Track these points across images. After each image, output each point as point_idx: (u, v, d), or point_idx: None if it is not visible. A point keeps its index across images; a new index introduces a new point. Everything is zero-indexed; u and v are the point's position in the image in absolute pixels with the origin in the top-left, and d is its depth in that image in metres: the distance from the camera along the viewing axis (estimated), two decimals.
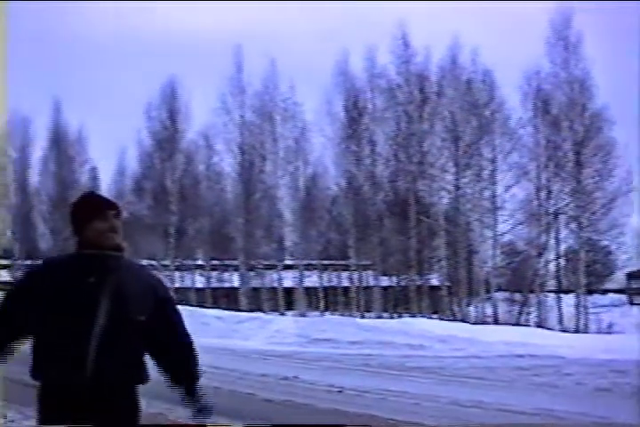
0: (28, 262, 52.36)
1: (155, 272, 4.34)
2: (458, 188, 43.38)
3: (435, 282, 45.36)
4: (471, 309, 43.79)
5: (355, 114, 45.11)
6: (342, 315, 39.37)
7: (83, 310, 3.69)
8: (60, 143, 53.75)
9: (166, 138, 48.46)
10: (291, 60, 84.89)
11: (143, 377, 3.87)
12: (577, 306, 40.65)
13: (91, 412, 3.65)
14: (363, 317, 39.48)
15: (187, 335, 4.17)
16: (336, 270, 50.03)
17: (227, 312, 21.65)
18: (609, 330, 36.62)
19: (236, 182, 47.23)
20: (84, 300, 3.70)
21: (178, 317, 4.12)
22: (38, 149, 54.76)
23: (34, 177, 55.17)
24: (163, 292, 4.11)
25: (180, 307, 4.14)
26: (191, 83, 49.51)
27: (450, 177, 43.94)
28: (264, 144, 46.66)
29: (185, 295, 47.54)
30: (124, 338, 3.75)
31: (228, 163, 47.81)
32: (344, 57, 46.08)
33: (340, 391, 11.11)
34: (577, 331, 37.17)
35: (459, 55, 43.79)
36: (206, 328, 18.50)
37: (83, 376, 3.65)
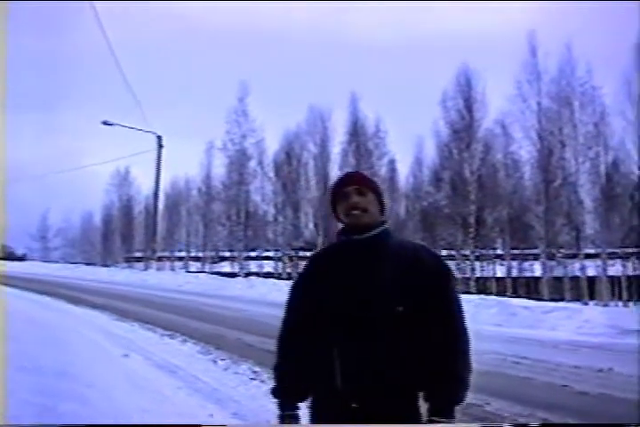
0: None
1: (434, 255, 3.69)
2: None
3: None
4: None
5: None
6: None
7: (328, 301, 3.57)
8: (359, 137, 55.13)
9: (463, 127, 48.54)
10: (587, 41, 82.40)
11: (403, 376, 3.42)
12: None
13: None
14: None
15: (454, 340, 3.48)
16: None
17: (533, 302, 21.28)
18: None
19: (535, 170, 46.53)
20: (331, 290, 3.58)
21: (447, 311, 3.51)
22: (337, 144, 56.64)
23: (334, 171, 56.98)
24: (433, 279, 3.54)
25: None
26: (486, 70, 49.07)
27: None
28: (562, 130, 45.58)
29: (485, 285, 47.62)
30: (376, 332, 3.44)
31: (526, 150, 47.20)
32: None
33: None
34: None
35: None
36: (514, 318, 18.35)
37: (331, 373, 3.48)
